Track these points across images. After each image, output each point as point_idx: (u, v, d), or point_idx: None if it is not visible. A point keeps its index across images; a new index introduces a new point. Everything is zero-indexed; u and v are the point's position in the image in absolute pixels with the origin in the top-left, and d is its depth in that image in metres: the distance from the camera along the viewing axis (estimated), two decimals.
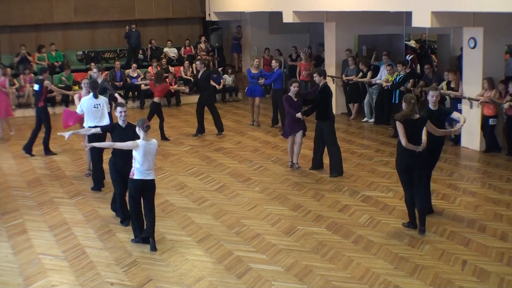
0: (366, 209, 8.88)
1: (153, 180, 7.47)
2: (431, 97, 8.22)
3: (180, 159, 11.86)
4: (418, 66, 16.44)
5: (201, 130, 13.86)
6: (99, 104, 9.70)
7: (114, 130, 8.08)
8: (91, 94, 9.73)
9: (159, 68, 18.15)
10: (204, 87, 13.73)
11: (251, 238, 7.86)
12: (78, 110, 9.94)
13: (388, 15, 14.57)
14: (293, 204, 9.12)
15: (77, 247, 7.65)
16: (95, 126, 9.25)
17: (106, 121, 9.67)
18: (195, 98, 14.97)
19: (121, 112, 7.98)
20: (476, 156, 11.73)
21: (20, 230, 8.25)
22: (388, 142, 12.79)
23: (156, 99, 13.19)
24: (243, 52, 21.26)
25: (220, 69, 18.57)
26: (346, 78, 15.32)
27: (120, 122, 8.02)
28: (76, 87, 16.24)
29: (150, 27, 20.95)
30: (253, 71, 14.43)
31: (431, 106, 8.25)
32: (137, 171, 7.32)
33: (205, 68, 13.94)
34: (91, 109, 9.66)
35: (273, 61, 14.59)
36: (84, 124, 9.81)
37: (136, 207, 7.51)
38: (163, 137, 13.30)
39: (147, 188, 7.41)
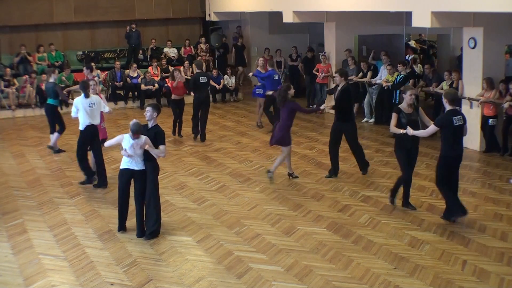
0: (366, 209, 8.88)
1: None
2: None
3: (180, 159, 11.85)
4: (417, 67, 16.39)
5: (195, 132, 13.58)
6: (94, 104, 9.90)
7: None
8: (82, 94, 9.89)
9: (159, 68, 18.19)
10: (190, 88, 13.42)
11: (251, 238, 7.86)
12: (73, 113, 9.91)
13: (388, 15, 14.59)
14: (293, 204, 9.11)
15: (77, 247, 7.64)
16: (91, 125, 9.80)
17: (98, 120, 10.04)
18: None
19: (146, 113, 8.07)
20: (476, 156, 11.72)
21: (20, 230, 8.25)
22: (388, 142, 12.77)
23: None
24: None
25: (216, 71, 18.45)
26: None
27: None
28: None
29: (150, 27, 20.94)
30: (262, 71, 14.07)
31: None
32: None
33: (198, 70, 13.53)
34: (87, 108, 9.81)
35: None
36: (81, 125, 9.85)
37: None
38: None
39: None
